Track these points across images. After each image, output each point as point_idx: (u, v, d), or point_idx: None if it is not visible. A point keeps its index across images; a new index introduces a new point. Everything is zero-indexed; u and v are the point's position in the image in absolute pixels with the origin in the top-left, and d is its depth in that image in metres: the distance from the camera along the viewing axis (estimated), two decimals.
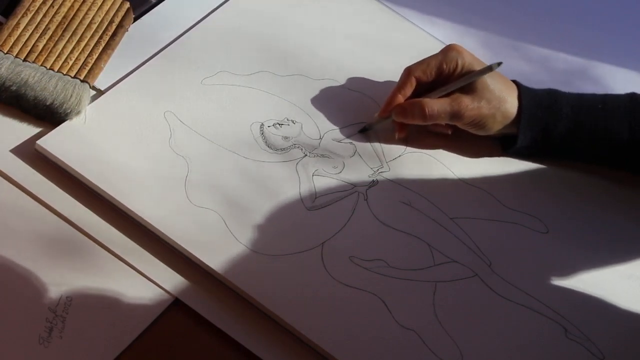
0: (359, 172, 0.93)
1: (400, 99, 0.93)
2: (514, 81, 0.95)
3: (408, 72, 0.94)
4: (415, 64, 0.94)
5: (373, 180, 0.92)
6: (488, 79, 0.92)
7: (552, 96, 0.94)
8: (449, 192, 0.93)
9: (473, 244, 0.90)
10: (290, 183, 0.90)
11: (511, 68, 1.03)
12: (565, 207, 0.95)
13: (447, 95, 0.92)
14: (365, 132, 0.95)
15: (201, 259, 0.82)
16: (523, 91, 0.93)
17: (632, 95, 0.95)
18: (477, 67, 0.92)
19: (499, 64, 0.90)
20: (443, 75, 0.93)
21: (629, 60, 1.12)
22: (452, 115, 0.92)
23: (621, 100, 0.94)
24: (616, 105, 0.94)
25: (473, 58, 0.93)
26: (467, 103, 0.91)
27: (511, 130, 0.94)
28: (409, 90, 0.93)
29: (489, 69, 0.91)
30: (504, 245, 0.91)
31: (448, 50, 0.93)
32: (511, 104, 0.92)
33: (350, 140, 0.95)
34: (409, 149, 0.96)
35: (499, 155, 0.97)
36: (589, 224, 0.95)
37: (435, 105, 0.91)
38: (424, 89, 0.94)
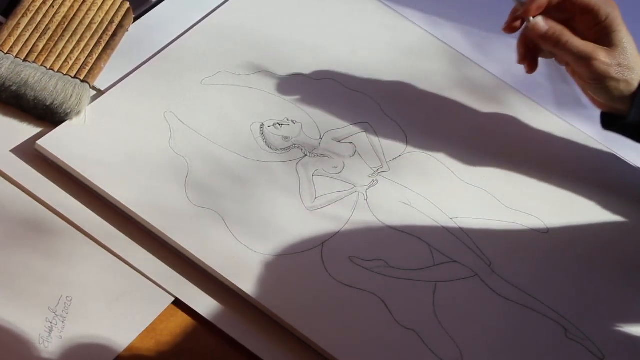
0: (359, 172, 0.93)
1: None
2: None
3: None
4: None
5: (373, 180, 0.92)
6: (628, 45, 0.90)
7: None
8: (449, 192, 0.93)
9: (473, 244, 0.90)
10: (290, 183, 0.90)
11: (512, 68, 1.03)
12: (565, 206, 0.95)
13: None
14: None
15: (201, 259, 0.82)
16: None
17: None
18: (618, 27, 0.89)
19: None
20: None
21: None
22: (580, 56, 0.89)
23: None
24: None
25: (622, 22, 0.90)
26: (601, 54, 0.89)
27: (621, 105, 0.91)
28: None
29: None
30: (504, 245, 0.91)
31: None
32: (636, 77, 0.90)
33: (350, 140, 0.95)
34: (409, 148, 0.96)
35: (498, 155, 0.97)
36: (589, 223, 0.94)
37: (570, 36, 0.89)
38: None
